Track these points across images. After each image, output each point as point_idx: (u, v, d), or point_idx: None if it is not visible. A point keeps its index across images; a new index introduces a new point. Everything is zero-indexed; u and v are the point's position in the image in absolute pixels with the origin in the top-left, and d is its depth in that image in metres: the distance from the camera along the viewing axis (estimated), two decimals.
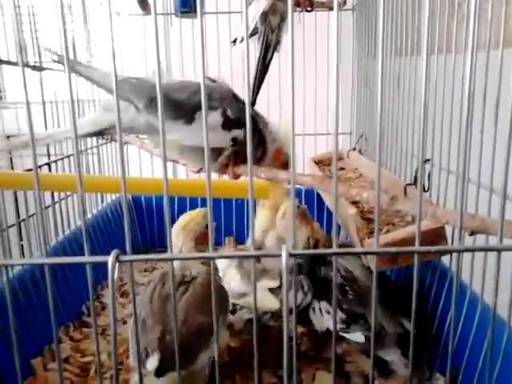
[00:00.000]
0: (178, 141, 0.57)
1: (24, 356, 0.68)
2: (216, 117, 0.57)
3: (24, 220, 0.80)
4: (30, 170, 0.77)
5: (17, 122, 1.04)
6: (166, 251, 1.22)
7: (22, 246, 0.81)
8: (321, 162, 1.18)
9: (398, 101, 0.84)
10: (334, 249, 0.35)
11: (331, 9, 1.13)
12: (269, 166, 0.65)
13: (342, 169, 1.09)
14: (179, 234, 0.65)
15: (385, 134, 0.92)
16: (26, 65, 0.82)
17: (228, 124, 0.58)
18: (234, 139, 0.59)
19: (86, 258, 0.36)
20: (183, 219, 0.66)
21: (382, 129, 0.37)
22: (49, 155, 0.87)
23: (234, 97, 0.62)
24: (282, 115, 1.12)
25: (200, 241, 0.66)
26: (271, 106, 0.99)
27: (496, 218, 0.37)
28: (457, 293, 0.38)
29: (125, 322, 0.84)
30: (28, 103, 0.36)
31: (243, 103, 0.60)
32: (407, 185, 0.71)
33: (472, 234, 0.40)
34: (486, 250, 0.38)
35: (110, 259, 0.35)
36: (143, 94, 0.54)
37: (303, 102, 1.16)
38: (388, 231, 0.66)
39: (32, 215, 0.81)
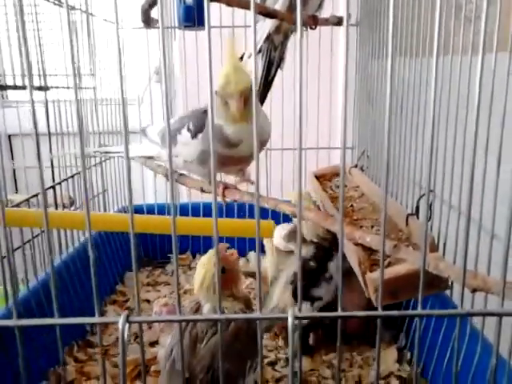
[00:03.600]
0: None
1: (30, 381, 0.70)
2: (184, 134, 0.66)
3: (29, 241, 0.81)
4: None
5: (18, 120, 1.04)
6: (167, 263, 1.22)
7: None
8: (322, 177, 1.18)
9: (402, 124, 0.84)
10: (339, 312, 0.36)
11: (335, 24, 1.13)
12: None
13: (344, 186, 1.10)
14: (199, 291, 0.61)
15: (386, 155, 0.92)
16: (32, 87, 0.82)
17: (194, 133, 0.65)
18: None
19: (97, 319, 0.37)
20: (198, 276, 0.61)
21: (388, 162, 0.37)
22: (53, 178, 0.88)
23: (204, 112, 0.67)
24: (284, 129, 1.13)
25: (223, 286, 0.60)
26: (273, 120, 1.00)
27: (498, 280, 0.38)
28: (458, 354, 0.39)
29: (129, 341, 0.86)
30: (37, 135, 0.37)
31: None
32: (409, 215, 0.72)
33: (474, 291, 0.41)
34: (485, 314, 0.38)
35: (121, 321, 0.36)
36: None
37: (306, 116, 1.16)
38: (390, 263, 0.67)
39: (35, 236, 0.82)
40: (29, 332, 0.70)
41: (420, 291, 0.36)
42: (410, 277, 0.61)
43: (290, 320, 0.35)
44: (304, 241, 0.84)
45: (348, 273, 0.72)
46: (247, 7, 0.89)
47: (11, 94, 1.78)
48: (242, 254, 1.20)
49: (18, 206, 0.71)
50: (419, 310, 0.36)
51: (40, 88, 0.86)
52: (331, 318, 0.36)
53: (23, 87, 0.80)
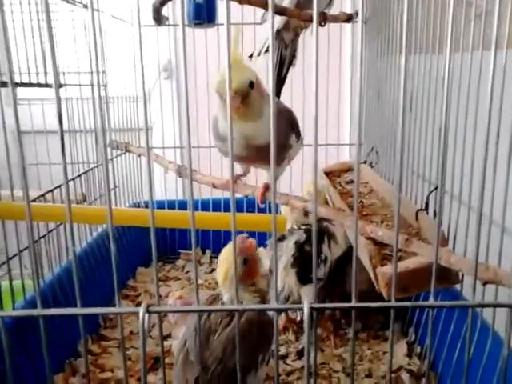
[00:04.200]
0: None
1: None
2: None
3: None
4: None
5: (30, 118, 1.05)
6: (177, 259, 1.23)
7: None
8: (331, 173, 1.19)
9: (411, 120, 0.85)
10: (353, 303, 0.37)
11: (344, 21, 1.13)
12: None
13: (352, 181, 1.11)
14: (224, 284, 0.62)
15: (396, 151, 0.93)
16: (46, 84, 0.83)
17: None
18: None
19: (118, 309, 0.38)
20: (222, 268, 0.62)
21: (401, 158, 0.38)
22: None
23: None
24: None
25: (247, 277, 0.62)
26: None
27: (509, 272, 0.39)
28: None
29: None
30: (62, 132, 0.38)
31: None
32: (419, 210, 0.72)
33: (485, 283, 0.42)
34: (496, 305, 0.39)
35: (141, 311, 0.37)
36: None
37: (315, 112, 1.17)
38: (401, 258, 0.67)
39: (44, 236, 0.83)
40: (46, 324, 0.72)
41: (433, 282, 0.37)
42: (421, 271, 0.62)
43: (306, 310, 0.36)
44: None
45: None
46: (257, 4, 0.89)
47: (19, 92, 1.80)
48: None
49: (34, 201, 0.72)
50: (432, 301, 0.37)
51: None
52: (346, 308, 0.37)
53: (43, 85, 0.81)
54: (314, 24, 0.35)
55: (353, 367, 0.40)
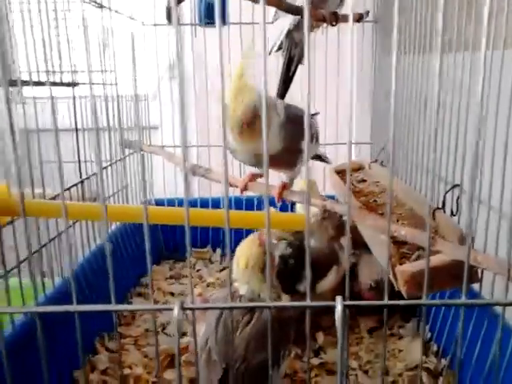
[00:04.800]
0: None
1: (68, 367, 0.72)
2: None
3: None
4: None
5: (35, 116, 1.05)
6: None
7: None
8: (341, 172, 1.19)
9: (425, 119, 0.85)
10: (385, 301, 0.37)
11: (355, 21, 1.14)
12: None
13: (364, 181, 1.11)
14: (244, 274, 0.62)
15: (409, 149, 0.93)
16: (62, 83, 0.84)
17: None
18: None
19: (151, 306, 0.38)
20: (242, 258, 0.63)
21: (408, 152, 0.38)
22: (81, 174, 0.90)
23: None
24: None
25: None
26: None
27: None
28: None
29: (157, 333, 0.87)
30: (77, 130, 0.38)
31: None
32: (436, 209, 0.73)
33: None
34: None
35: (176, 308, 0.37)
36: None
37: (324, 111, 1.17)
38: (419, 257, 0.68)
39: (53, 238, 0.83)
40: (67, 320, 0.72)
41: (465, 280, 0.37)
42: (442, 269, 0.62)
43: (339, 307, 0.36)
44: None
45: None
46: (273, 4, 0.90)
47: (26, 91, 1.80)
48: None
49: (54, 198, 0.73)
50: (464, 300, 0.38)
51: (68, 84, 0.88)
52: (378, 306, 0.37)
53: (58, 84, 0.82)
54: (350, 22, 0.35)
55: (385, 361, 0.40)
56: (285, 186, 0.70)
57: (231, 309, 0.40)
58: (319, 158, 0.89)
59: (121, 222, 1.02)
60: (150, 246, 0.37)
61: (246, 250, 0.63)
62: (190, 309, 0.39)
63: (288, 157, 0.65)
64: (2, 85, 0.35)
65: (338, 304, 0.37)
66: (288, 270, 0.84)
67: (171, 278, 1.12)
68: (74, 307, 0.37)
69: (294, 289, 0.82)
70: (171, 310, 0.38)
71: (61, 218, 0.66)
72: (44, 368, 0.39)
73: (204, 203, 1.19)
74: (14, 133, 0.36)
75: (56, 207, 0.51)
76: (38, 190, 0.72)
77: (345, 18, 1.07)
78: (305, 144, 0.69)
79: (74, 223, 0.83)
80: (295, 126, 0.63)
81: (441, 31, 0.34)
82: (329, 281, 0.84)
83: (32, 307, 0.38)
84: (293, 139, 0.62)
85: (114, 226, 1.03)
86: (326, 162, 0.90)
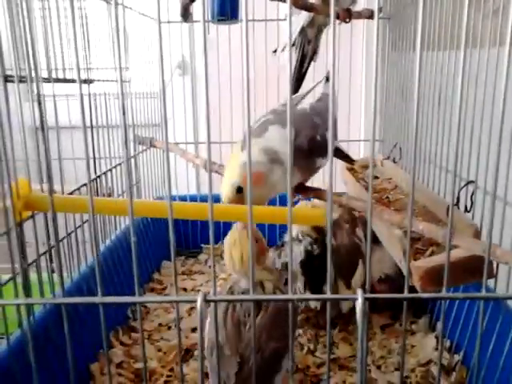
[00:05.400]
0: None
1: (85, 361, 0.73)
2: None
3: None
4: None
5: (55, 114, 1.06)
6: (199, 253, 1.24)
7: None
8: (352, 169, 1.20)
9: (439, 116, 0.85)
10: (405, 294, 0.38)
11: (368, 18, 1.14)
12: None
13: (376, 177, 1.11)
14: (245, 268, 0.62)
15: (422, 146, 0.93)
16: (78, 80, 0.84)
17: None
18: None
19: (176, 298, 0.39)
20: (235, 253, 0.62)
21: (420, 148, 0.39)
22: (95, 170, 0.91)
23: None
24: None
25: (261, 255, 0.64)
26: None
27: None
28: None
29: (169, 328, 0.88)
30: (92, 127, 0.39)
31: None
32: (454, 204, 0.73)
33: None
34: None
35: (199, 300, 0.38)
36: None
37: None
38: (433, 252, 0.68)
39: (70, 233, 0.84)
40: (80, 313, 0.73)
41: (485, 274, 0.38)
42: (458, 264, 0.62)
43: (359, 300, 0.37)
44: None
45: None
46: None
47: (46, 88, 1.82)
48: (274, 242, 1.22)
49: (71, 193, 0.74)
50: (484, 293, 0.38)
51: (85, 81, 0.89)
52: (400, 299, 0.38)
53: (74, 80, 0.82)
54: (374, 20, 0.35)
55: (403, 355, 0.41)
56: (301, 184, 0.71)
57: (255, 301, 0.41)
58: (342, 155, 0.89)
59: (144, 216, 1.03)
60: (174, 240, 0.38)
61: (234, 245, 0.63)
62: (213, 301, 0.39)
63: (304, 177, 0.70)
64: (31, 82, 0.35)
65: (359, 297, 0.37)
66: (314, 269, 0.84)
67: (183, 273, 1.13)
68: (100, 299, 0.38)
69: (321, 290, 0.83)
70: (194, 301, 0.38)
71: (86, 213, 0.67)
72: (70, 357, 0.39)
73: (217, 199, 1.20)
74: (44, 130, 0.37)
75: (79, 202, 0.52)
76: (55, 187, 0.73)
77: (357, 15, 1.07)
78: (317, 163, 0.70)
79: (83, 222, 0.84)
80: (306, 157, 0.66)
81: (464, 28, 0.34)
82: (360, 275, 0.85)
83: (59, 299, 0.39)
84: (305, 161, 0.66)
85: (123, 225, 1.03)
86: (349, 161, 0.90)
